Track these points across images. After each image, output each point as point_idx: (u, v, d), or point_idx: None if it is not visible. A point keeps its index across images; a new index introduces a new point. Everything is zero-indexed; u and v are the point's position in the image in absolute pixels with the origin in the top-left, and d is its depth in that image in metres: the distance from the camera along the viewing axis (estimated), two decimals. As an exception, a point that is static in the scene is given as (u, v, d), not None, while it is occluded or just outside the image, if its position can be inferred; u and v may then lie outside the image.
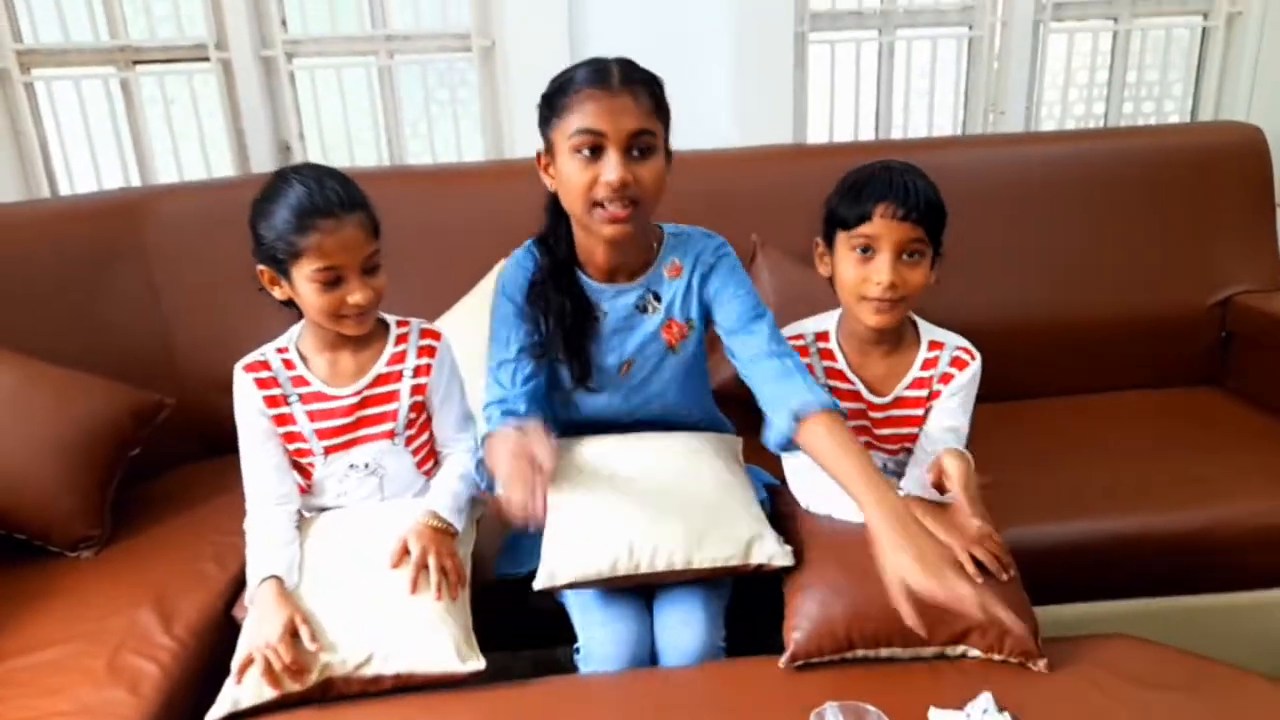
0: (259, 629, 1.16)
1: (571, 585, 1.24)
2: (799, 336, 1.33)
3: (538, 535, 1.27)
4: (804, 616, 1.17)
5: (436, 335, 1.36)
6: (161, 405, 1.69)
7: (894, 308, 1.22)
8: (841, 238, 1.24)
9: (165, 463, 1.81)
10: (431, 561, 1.21)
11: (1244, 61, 2.48)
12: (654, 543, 1.22)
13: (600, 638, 1.25)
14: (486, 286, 1.87)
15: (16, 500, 1.50)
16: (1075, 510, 1.55)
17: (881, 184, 1.21)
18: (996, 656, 1.15)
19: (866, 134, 2.52)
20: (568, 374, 1.36)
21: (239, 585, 1.46)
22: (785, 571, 1.24)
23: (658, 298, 1.36)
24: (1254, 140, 2.06)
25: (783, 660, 1.17)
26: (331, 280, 1.20)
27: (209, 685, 1.22)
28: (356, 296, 1.22)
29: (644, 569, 1.22)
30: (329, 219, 1.18)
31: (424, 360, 1.34)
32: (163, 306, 1.87)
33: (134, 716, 1.18)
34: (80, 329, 1.78)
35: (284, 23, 2.26)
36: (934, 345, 1.31)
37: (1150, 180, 2.03)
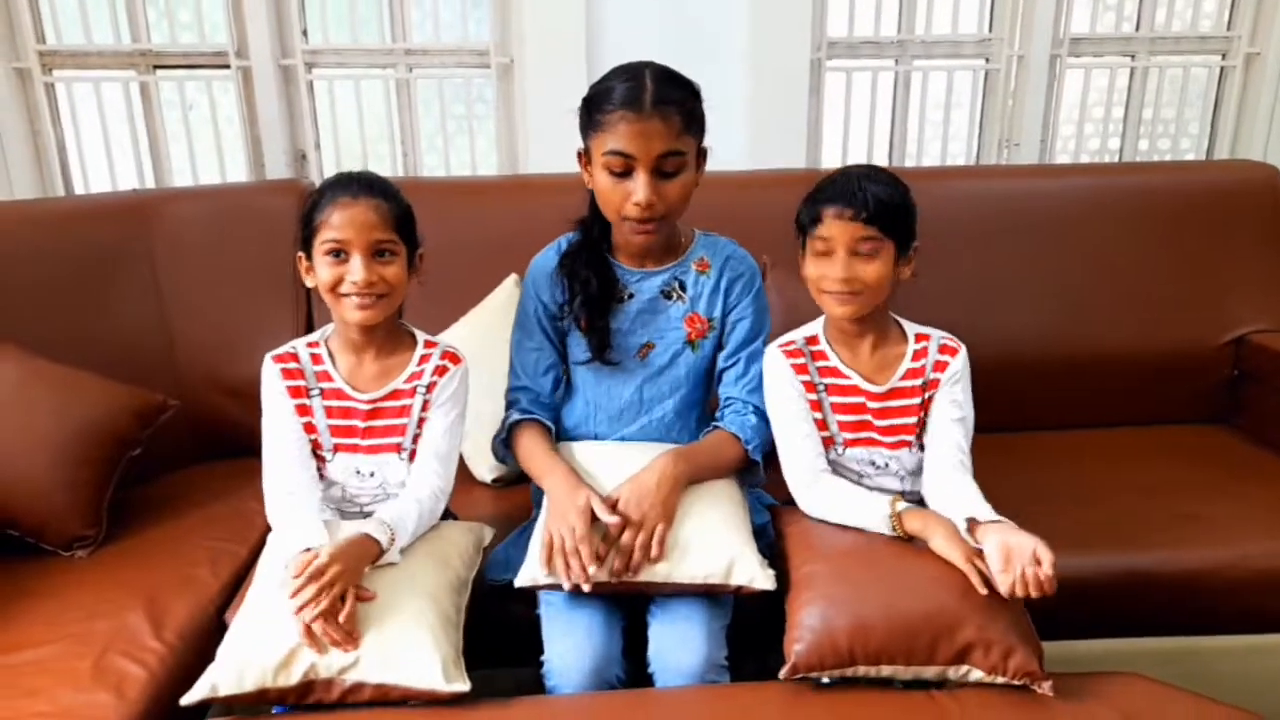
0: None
1: (552, 586, 1.24)
2: (790, 343, 1.38)
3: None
4: (805, 629, 1.15)
5: (456, 359, 1.37)
6: (164, 406, 1.68)
7: (854, 299, 1.28)
8: (807, 241, 1.32)
9: (165, 465, 1.79)
10: (324, 587, 1.13)
11: (1262, 101, 2.48)
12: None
13: (561, 650, 1.24)
14: (495, 300, 1.86)
15: (12, 497, 1.49)
16: (1081, 545, 1.51)
17: (833, 188, 1.28)
18: (1000, 679, 1.13)
19: (880, 161, 2.52)
20: (585, 347, 1.41)
21: (232, 590, 1.45)
22: (780, 591, 1.23)
23: (683, 287, 1.42)
24: (1270, 179, 2.04)
25: (783, 672, 1.15)
26: (336, 253, 1.26)
27: (196, 691, 1.21)
28: (356, 274, 1.26)
29: (625, 577, 1.22)
30: (345, 195, 1.27)
31: (436, 379, 1.34)
32: (168, 309, 1.86)
33: (116, 720, 1.16)
34: (86, 327, 1.78)
35: (305, 33, 2.28)
36: (920, 338, 1.36)
37: (1165, 216, 2.02)
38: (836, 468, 1.36)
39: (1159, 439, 1.93)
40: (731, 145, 2.28)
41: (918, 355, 1.34)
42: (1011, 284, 1.97)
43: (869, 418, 1.34)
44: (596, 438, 1.44)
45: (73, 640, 1.29)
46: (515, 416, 1.42)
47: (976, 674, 1.14)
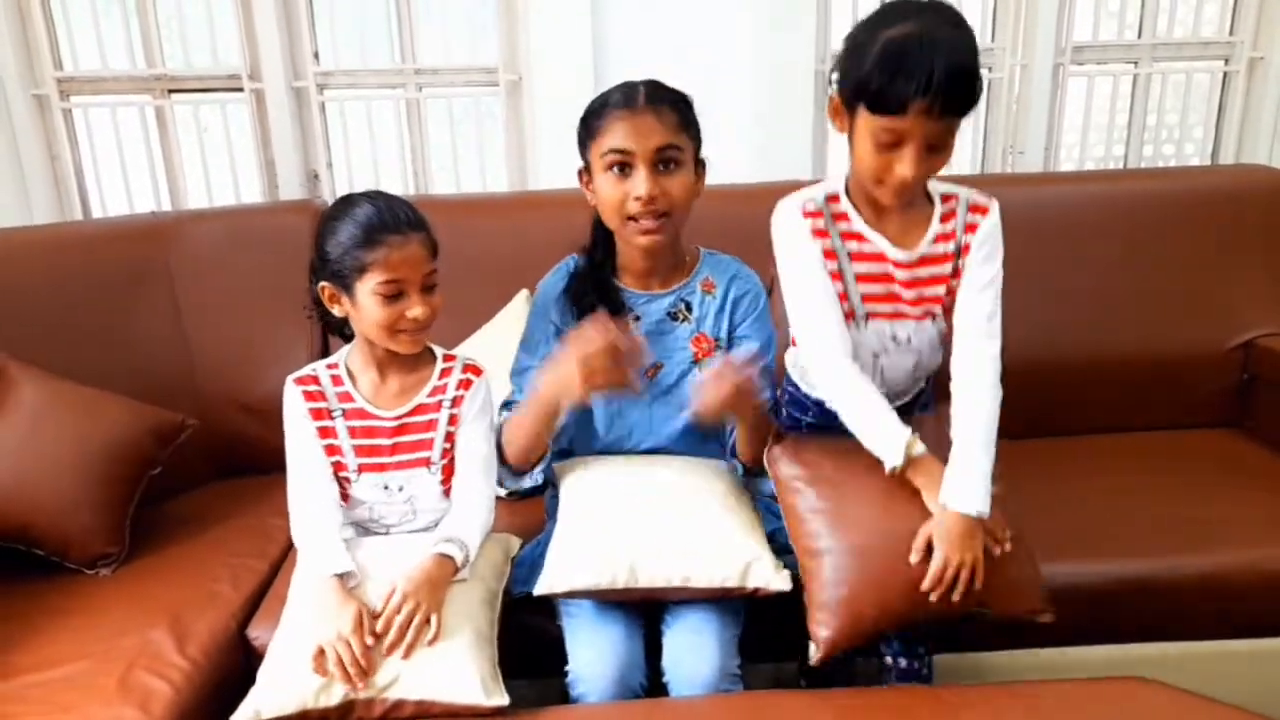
0: (327, 622, 1.17)
1: (571, 594, 1.26)
2: (809, 201, 1.21)
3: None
4: (827, 610, 1.18)
5: (478, 371, 1.39)
6: (183, 425, 1.71)
7: (914, 191, 1.14)
8: (865, 117, 1.08)
9: (185, 483, 1.82)
10: (402, 617, 1.18)
11: (1266, 106, 2.49)
12: (655, 558, 1.25)
13: (587, 658, 1.26)
14: (506, 316, 1.89)
15: (36, 516, 1.52)
16: (1093, 551, 1.53)
17: (921, 71, 1.02)
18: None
19: (886, 172, 2.54)
20: None
21: (253, 606, 1.48)
22: (793, 590, 1.25)
23: (689, 308, 1.44)
24: (1275, 183, 2.05)
25: (814, 658, 1.17)
26: (394, 294, 1.25)
27: (220, 705, 1.22)
28: (416, 311, 1.26)
29: (643, 583, 1.24)
30: (396, 235, 1.24)
31: (460, 392, 1.36)
32: (186, 329, 1.89)
33: (144, 735, 1.18)
34: (105, 349, 1.81)
35: (316, 55, 2.32)
36: (947, 198, 1.21)
37: (1170, 222, 2.03)
38: (853, 346, 1.24)
39: (1169, 444, 1.93)
40: (737, 157, 2.30)
41: (946, 217, 1.19)
42: (1018, 292, 1.93)
43: (896, 288, 1.20)
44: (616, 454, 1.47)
45: (99, 657, 1.31)
46: None
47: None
